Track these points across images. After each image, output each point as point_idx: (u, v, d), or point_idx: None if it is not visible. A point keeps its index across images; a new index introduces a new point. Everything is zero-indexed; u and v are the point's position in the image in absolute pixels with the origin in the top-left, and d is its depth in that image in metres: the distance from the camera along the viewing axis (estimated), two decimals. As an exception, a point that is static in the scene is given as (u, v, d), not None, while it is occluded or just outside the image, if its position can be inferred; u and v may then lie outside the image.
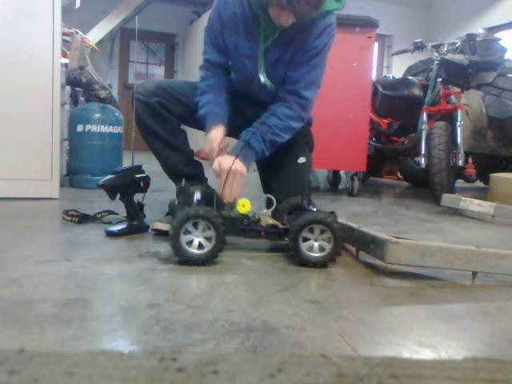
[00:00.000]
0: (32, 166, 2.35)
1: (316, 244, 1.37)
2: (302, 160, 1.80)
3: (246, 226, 1.45)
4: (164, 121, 1.76)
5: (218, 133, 1.60)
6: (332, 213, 1.41)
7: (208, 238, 1.32)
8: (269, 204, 1.55)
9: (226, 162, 1.49)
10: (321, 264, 1.36)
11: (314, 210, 1.48)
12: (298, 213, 1.48)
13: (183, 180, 1.62)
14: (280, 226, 1.49)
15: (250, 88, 1.75)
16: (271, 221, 1.49)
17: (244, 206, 1.43)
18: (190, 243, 1.32)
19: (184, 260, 1.30)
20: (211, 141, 1.59)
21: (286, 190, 1.74)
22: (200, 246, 1.32)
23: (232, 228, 1.43)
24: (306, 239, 1.37)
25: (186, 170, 1.83)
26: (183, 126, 1.88)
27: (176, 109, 1.77)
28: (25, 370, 0.35)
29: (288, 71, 1.66)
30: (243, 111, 1.82)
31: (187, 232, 1.31)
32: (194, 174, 1.85)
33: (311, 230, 1.37)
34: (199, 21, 7.08)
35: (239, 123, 1.82)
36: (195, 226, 1.32)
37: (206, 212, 1.30)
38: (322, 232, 1.37)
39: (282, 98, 1.66)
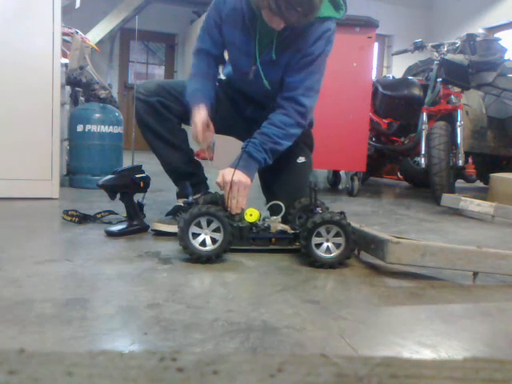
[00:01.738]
0: (32, 166, 2.35)
1: (328, 245, 1.38)
2: (301, 160, 1.80)
3: (255, 235, 1.46)
4: (164, 120, 1.77)
5: (200, 114, 1.61)
6: (342, 213, 1.42)
7: (216, 232, 1.36)
8: (273, 210, 1.55)
9: (229, 174, 1.50)
10: (337, 263, 1.37)
11: (322, 211, 1.49)
12: (308, 215, 1.48)
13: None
14: (290, 230, 1.49)
15: (247, 86, 1.76)
16: (280, 226, 1.50)
17: (252, 216, 1.45)
18: (201, 242, 1.36)
19: (195, 257, 1.34)
20: (195, 124, 1.60)
21: (286, 190, 1.74)
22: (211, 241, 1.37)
23: (241, 238, 1.44)
24: (317, 240, 1.37)
25: (186, 169, 1.84)
26: (184, 126, 1.88)
27: (176, 108, 1.78)
28: (25, 369, 0.35)
29: (285, 76, 1.65)
30: (242, 110, 1.82)
31: (197, 228, 1.35)
32: (194, 174, 1.86)
33: (322, 232, 1.37)
34: (199, 21, 7.08)
35: (238, 122, 1.82)
36: (200, 224, 1.35)
37: (209, 208, 1.34)
38: (335, 232, 1.37)
39: (280, 105, 1.65)
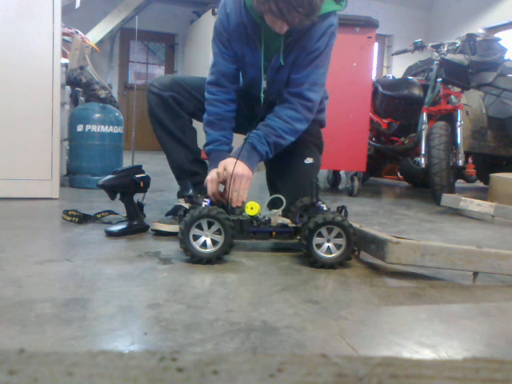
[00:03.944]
0: (32, 166, 2.35)
1: (329, 245, 1.38)
2: (309, 161, 1.80)
3: (255, 228, 1.46)
4: (176, 116, 1.78)
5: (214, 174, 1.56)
6: (343, 208, 1.41)
7: (217, 234, 1.35)
8: (275, 204, 1.55)
9: (231, 165, 1.49)
10: (338, 264, 1.36)
11: (325, 208, 1.49)
12: (311, 212, 1.47)
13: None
14: (290, 224, 1.49)
15: (253, 90, 1.76)
16: (281, 220, 1.49)
17: (252, 209, 1.44)
18: (202, 244, 1.35)
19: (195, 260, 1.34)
20: (210, 182, 1.56)
21: (293, 191, 1.73)
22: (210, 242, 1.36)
23: (242, 231, 1.43)
24: (318, 241, 1.37)
25: (191, 167, 1.84)
26: (195, 125, 1.88)
27: (189, 105, 1.79)
28: (25, 369, 0.35)
29: (291, 73, 1.66)
30: (248, 108, 1.82)
31: (197, 230, 1.34)
32: (197, 173, 1.85)
33: (323, 232, 1.37)
34: (199, 21, 7.08)
35: (244, 119, 1.82)
36: (201, 226, 1.35)
37: (211, 210, 1.33)
38: (337, 233, 1.37)
39: (286, 99, 1.65)
